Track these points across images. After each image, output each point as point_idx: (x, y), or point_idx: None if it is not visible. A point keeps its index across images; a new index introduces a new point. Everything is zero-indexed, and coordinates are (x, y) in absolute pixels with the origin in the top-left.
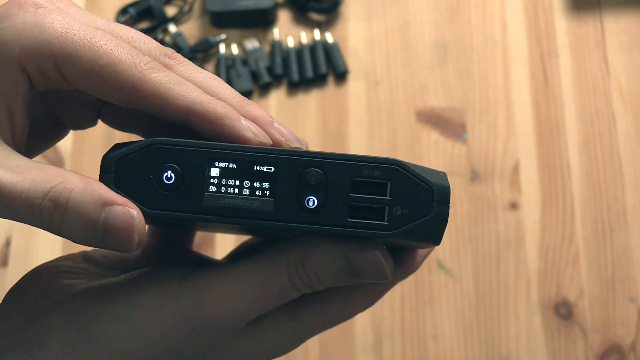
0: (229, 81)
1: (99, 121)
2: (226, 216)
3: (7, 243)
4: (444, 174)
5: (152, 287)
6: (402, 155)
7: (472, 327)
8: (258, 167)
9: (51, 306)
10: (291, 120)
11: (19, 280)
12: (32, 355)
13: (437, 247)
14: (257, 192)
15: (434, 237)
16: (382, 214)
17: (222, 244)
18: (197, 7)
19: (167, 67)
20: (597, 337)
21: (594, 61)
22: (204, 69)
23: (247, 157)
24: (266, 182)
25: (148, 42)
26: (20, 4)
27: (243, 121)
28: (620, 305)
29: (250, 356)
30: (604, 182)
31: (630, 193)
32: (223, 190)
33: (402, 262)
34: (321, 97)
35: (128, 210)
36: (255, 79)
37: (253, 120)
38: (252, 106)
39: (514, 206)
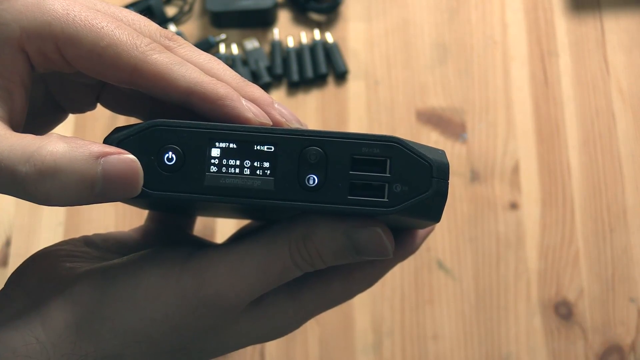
0: None
1: (100, 110)
2: (227, 196)
3: (7, 243)
4: (443, 152)
5: (154, 267)
6: None
7: (472, 327)
8: (258, 147)
9: (54, 288)
10: None
11: (21, 265)
12: (36, 336)
13: (437, 247)
14: (257, 172)
15: (434, 214)
16: (382, 191)
17: (222, 231)
18: (197, 7)
19: (168, 49)
20: (597, 337)
21: (594, 61)
22: None
23: (247, 137)
24: (267, 162)
25: (148, 25)
26: None
27: (243, 102)
28: (620, 305)
29: (252, 336)
30: (604, 182)
31: (630, 193)
32: (224, 171)
33: (402, 243)
34: (321, 97)
35: (125, 156)
36: (255, 79)
37: (253, 101)
38: (252, 87)
39: (514, 206)
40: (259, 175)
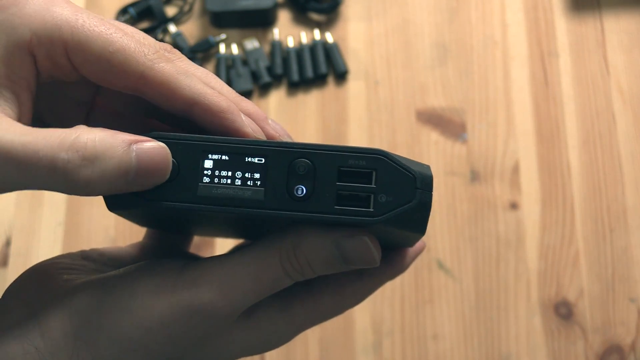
0: (229, 81)
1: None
2: (219, 205)
3: (7, 243)
4: (428, 166)
5: (150, 278)
6: (402, 155)
7: (472, 327)
8: (249, 159)
9: (52, 299)
10: (291, 120)
11: (19, 277)
12: (35, 346)
13: (437, 247)
14: (248, 182)
15: (419, 225)
16: (368, 202)
17: (222, 244)
18: (197, 7)
19: (168, 61)
20: (597, 337)
21: (594, 61)
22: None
23: (238, 149)
24: (257, 173)
25: (147, 38)
26: None
27: (243, 117)
28: (620, 305)
29: (244, 347)
30: (604, 182)
31: (630, 193)
32: (216, 181)
33: (392, 262)
34: (321, 97)
35: (156, 143)
36: (255, 79)
37: (249, 116)
38: (247, 103)
39: (514, 206)
40: (250, 186)
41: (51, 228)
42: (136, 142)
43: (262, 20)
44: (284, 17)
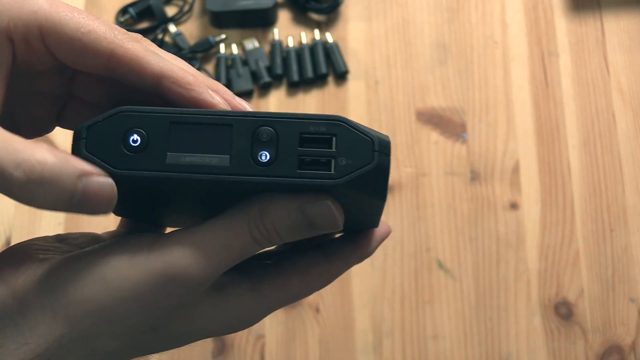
0: (229, 81)
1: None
2: (187, 172)
3: (7, 243)
4: (387, 135)
5: (124, 250)
6: (402, 155)
7: (472, 327)
8: (215, 128)
9: (29, 276)
10: None
11: None
12: (14, 321)
13: (437, 247)
14: (214, 150)
15: (379, 189)
16: (329, 165)
17: None
18: (197, 7)
19: (137, 41)
20: (597, 337)
21: (594, 61)
22: (203, 69)
23: (204, 119)
24: (223, 141)
25: (119, 27)
26: None
27: (210, 90)
28: (620, 305)
29: (215, 324)
30: (604, 182)
31: (630, 193)
32: (184, 150)
33: (359, 244)
34: (321, 97)
35: (104, 179)
36: (255, 79)
37: (216, 91)
38: (216, 83)
39: (514, 206)
40: (216, 153)
41: (51, 228)
42: (86, 174)
43: (262, 20)
44: (284, 17)
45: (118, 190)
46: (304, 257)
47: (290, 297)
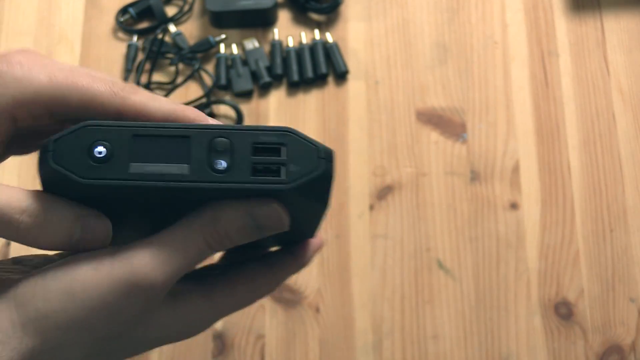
0: (229, 81)
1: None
2: (149, 180)
3: (7, 243)
4: (331, 149)
5: (88, 261)
6: (402, 155)
7: (472, 327)
8: (174, 139)
9: None
10: (291, 120)
11: None
12: None
13: (437, 247)
14: (174, 160)
15: (323, 194)
16: (279, 172)
17: None
18: (197, 7)
19: (136, 93)
20: (597, 337)
21: (594, 61)
22: (204, 69)
23: (164, 132)
24: (182, 151)
25: (107, 76)
26: (8, 62)
27: (210, 120)
28: (620, 305)
29: (171, 329)
30: (604, 182)
31: (630, 193)
32: (146, 160)
33: (296, 255)
34: (321, 97)
35: (100, 220)
36: (255, 79)
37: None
38: (192, 110)
39: (514, 206)
40: (176, 162)
41: None
42: (84, 216)
43: (262, 20)
44: (284, 17)
45: (86, 203)
46: (249, 267)
47: (238, 303)
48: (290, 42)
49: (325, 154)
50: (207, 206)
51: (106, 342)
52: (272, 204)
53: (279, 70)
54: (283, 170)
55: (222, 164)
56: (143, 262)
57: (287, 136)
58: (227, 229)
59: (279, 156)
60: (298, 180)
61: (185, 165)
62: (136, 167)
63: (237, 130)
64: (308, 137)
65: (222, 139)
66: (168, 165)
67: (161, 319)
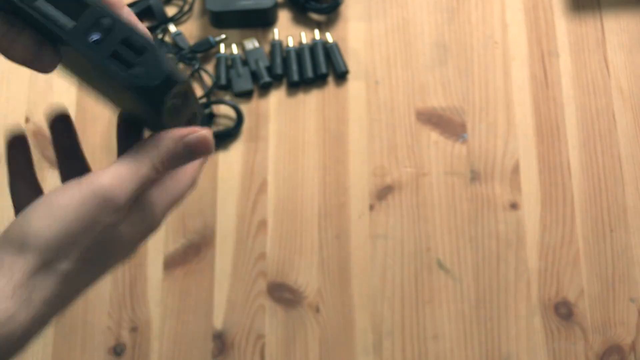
0: (229, 81)
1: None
2: (40, 14)
3: None
4: (184, 76)
5: (59, 189)
6: (402, 155)
7: (472, 327)
8: (78, 1)
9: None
10: (291, 120)
11: None
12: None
13: (437, 247)
14: (69, 14)
15: (161, 98)
16: (129, 66)
17: (222, 232)
18: (197, 7)
19: None
20: (597, 337)
21: (594, 61)
22: (204, 69)
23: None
24: (77, 11)
25: None
26: None
27: (125, 9)
28: (620, 305)
29: (140, 228)
30: (604, 182)
31: (630, 193)
32: (52, 3)
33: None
34: (321, 97)
35: (200, 132)
36: (255, 79)
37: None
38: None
39: (514, 206)
40: (69, 16)
41: None
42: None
43: (262, 20)
44: (284, 17)
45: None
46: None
47: (172, 196)
48: (290, 42)
49: (169, 71)
50: (151, 136)
51: (92, 251)
52: (203, 131)
53: (279, 70)
54: (133, 67)
55: (95, 37)
56: (105, 181)
57: (151, 47)
58: (169, 157)
59: (136, 57)
60: (134, 80)
61: (73, 22)
62: (40, 3)
63: (121, 23)
64: (165, 59)
65: (107, 19)
66: (63, 15)
67: (129, 222)
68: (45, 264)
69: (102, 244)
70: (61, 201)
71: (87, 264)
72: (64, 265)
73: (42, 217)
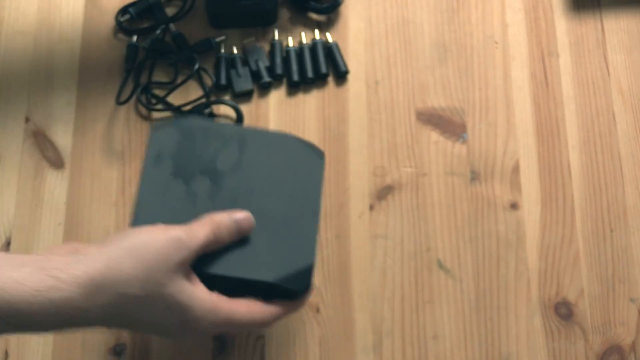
0: (229, 81)
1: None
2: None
3: (7, 243)
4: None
5: (150, 227)
6: (402, 155)
7: (472, 327)
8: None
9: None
10: (291, 120)
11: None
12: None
13: (437, 247)
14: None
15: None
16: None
17: None
18: (197, 7)
19: None
20: (597, 337)
21: (594, 61)
22: (204, 68)
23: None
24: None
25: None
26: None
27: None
28: (620, 305)
29: (180, 298)
30: (604, 182)
31: (630, 193)
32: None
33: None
34: (321, 97)
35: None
36: (255, 79)
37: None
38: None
39: (514, 206)
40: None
41: (51, 228)
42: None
43: (262, 20)
44: (284, 17)
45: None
46: (250, 298)
47: (236, 324)
48: (290, 42)
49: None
50: (209, 215)
51: (153, 286)
52: (246, 214)
53: (279, 70)
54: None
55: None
56: (182, 233)
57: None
58: (222, 224)
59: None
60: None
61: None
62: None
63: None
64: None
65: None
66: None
67: (179, 283)
68: (111, 278)
69: (159, 285)
70: (148, 235)
71: (146, 297)
72: (130, 289)
73: (128, 237)
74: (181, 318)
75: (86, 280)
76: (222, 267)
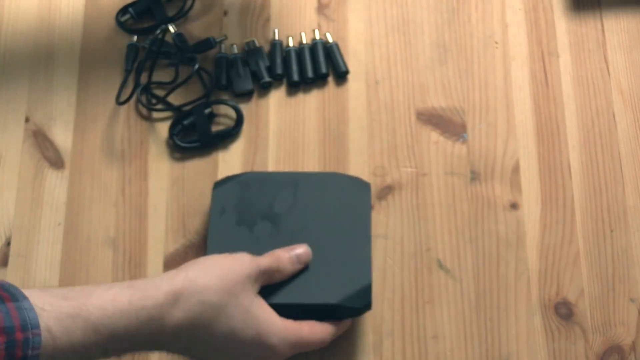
0: (229, 81)
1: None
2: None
3: (7, 243)
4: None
5: (226, 255)
6: (402, 155)
7: (472, 327)
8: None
9: None
10: (291, 120)
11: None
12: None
13: (437, 247)
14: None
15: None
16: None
17: None
18: (197, 8)
19: None
20: (597, 337)
21: (594, 61)
22: (204, 68)
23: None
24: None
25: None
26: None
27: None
28: (620, 305)
29: (241, 318)
30: (604, 182)
31: (630, 193)
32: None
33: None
34: (321, 97)
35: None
36: (255, 79)
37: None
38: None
39: (514, 206)
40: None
41: (51, 228)
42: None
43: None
44: (284, 16)
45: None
46: (312, 320)
47: (303, 342)
48: (290, 42)
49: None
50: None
51: (225, 296)
52: (305, 249)
53: (279, 70)
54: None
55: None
56: (249, 259)
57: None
58: (281, 256)
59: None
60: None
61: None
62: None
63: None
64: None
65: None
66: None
67: (250, 297)
68: (193, 291)
69: (230, 300)
70: (225, 259)
71: (221, 305)
72: (210, 297)
73: (207, 260)
74: (257, 330)
75: (169, 290)
76: (289, 296)
